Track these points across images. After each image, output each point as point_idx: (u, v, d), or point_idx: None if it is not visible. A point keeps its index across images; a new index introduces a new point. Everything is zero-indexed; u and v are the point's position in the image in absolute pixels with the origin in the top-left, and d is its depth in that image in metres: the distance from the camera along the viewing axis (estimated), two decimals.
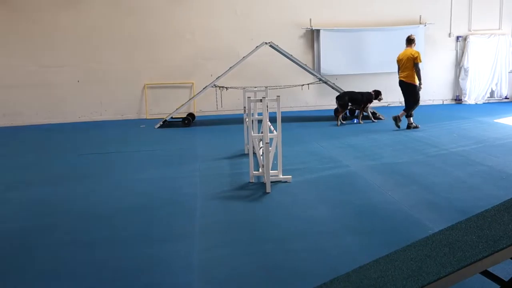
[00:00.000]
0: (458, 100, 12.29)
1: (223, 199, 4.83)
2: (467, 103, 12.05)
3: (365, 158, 6.43)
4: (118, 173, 6.12)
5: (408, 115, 8.60)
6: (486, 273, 2.04)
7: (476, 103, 12.12)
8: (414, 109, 8.60)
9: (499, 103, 12.16)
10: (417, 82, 8.40)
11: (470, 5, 11.95)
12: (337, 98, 9.63)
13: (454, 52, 12.20)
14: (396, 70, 8.81)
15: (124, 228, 4.10)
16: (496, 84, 12.24)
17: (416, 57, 8.27)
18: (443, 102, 12.37)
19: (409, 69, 8.35)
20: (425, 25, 11.63)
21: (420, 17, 11.67)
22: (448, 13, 11.95)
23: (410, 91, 8.50)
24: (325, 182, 5.33)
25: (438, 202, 4.49)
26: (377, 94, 9.67)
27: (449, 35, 12.10)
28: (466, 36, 12.01)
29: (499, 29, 12.12)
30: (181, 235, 3.89)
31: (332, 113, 10.66)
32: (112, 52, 11.11)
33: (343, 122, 9.53)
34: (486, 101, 12.23)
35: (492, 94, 12.31)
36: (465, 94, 12.09)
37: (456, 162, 6.08)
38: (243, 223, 4.13)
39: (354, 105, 9.65)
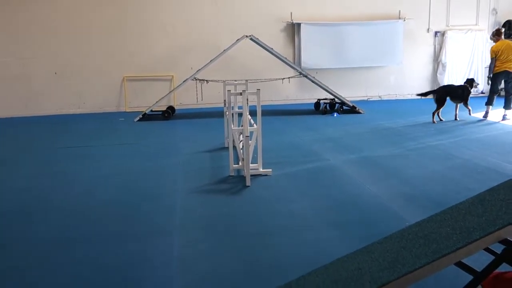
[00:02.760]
0: None
1: (203, 193, 4.82)
2: None
3: (345, 152, 6.48)
4: (97, 167, 6.04)
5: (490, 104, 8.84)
6: (460, 264, 2.09)
7: None
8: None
9: (475, 97, 12.33)
10: None
11: (448, 0, 12.11)
12: (435, 92, 9.14)
13: (432, 47, 12.37)
14: (491, 61, 8.88)
15: (103, 224, 4.06)
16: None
17: None
18: (421, 96, 12.51)
19: (509, 59, 8.60)
20: (404, 20, 11.75)
21: (400, 12, 11.78)
22: (426, 8, 12.10)
23: None
24: (305, 176, 5.36)
25: (415, 195, 4.56)
26: (471, 83, 9.04)
27: (428, 30, 12.26)
28: (444, 31, 12.18)
29: (476, 24, 12.34)
30: (161, 230, 3.86)
31: (313, 107, 10.73)
32: (90, 44, 10.93)
33: (441, 119, 8.88)
34: None
35: None
36: None
37: (433, 155, 6.19)
38: (223, 217, 4.13)
39: (453, 99, 9.07)
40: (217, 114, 9.24)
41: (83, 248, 3.55)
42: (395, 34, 11.76)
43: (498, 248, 2.09)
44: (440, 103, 8.87)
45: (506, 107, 8.71)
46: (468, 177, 5.14)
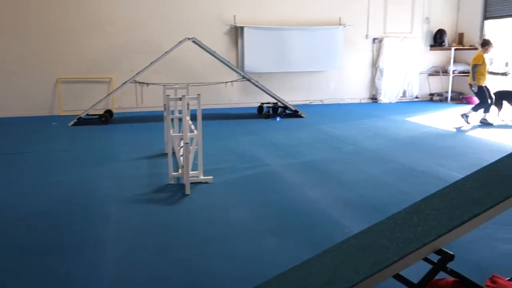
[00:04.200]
0: (374, 99, 12.86)
1: (140, 203, 4.61)
2: (382, 102, 12.64)
3: (286, 157, 6.48)
4: (27, 176, 5.65)
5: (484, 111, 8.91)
6: (398, 277, 2.08)
7: (390, 102, 12.76)
8: (483, 108, 8.90)
9: (410, 102, 12.90)
10: (473, 82, 8.87)
11: (385, 8, 12.52)
12: (496, 95, 9.15)
13: (371, 53, 12.73)
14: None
15: (33, 236, 3.77)
16: (408, 85, 12.95)
17: (474, 59, 8.78)
18: (360, 100, 12.89)
19: (473, 71, 8.79)
20: (344, 27, 12.01)
21: (340, 19, 12.04)
22: (365, 15, 12.44)
23: (475, 92, 8.94)
24: (246, 182, 5.29)
25: (353, 200, 4.62)
26: None
27: (366, 36, 12.60)
28: (382, 38, 12.58)
29: (410, 32, 12.84)
30: (94, 242, 3.64)
31: (256, 111, 10.71)
32: (21, 43, 10.28)
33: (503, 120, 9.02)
34: (399, 100, 12.89)
35: (404, 93, 13.01)
36: (381, 93, 12.68)
37: (371, 159, 6.32)
38: (160, 227, 3.96)
39: (510, 102, 9.13)
40: (158, 118, 8.95)
41: (9, 262, 3.27)
42: (335, 40, 12.00)
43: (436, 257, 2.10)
44: (498, 106, 9.12)
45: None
46: (403, 181, 5.28)
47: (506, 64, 12.77)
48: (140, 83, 9.47)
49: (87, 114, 9.40)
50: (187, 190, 4.78)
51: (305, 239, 3.64)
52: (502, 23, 11.93)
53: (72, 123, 9.13)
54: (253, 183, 5.24)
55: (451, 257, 1.95)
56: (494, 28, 12.12)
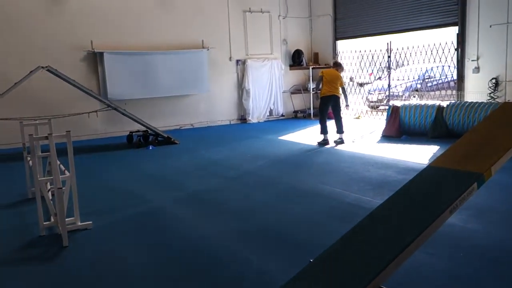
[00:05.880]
0: (243, 119, 13.08)
1: (6, 265, 3.85)
2: (251, 122, 12.93)
3: (168, 189, 6.10)
4: None
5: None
6: None
7: (259, 122, 13.11)
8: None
9: (277, 120, 13.41)
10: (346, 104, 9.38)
11: (245, 31, 12.89)
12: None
13: (236, 74, 12.97)
14: (318, 84, 9.07)
15: None
16: (273, 103, 13.47)
17: (341, 78, 8.96)
18: (230, 122, 13.01)
19: (337, 87, 8.85)
20: (208, 49, 12.04)
21: (203, 42, 12.04)
22: (227, 38, 12.65)
23: (340, 105, 8.98)
24: (131, 224, 4.79)
25: (248, 229, 4.46)
26: None
27: (230, 59, 12.81)
28: (245, 60, 12.90)
29: (271, 53, 13.41)
30: None
31: (125, 140, 10.07)
32: None
33: None
34: (267, 119, 13.33)
35: (271, 112, 13.49)
36: (249, 113, 12.95)
37: (256, 183, 6.28)
38: None
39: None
40: (12, 157, 7.88)
41: None
42: (201, 63, 11.96)
43: None
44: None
45: (339, 131, 8.92)
46: (291, 203, 5.28)
47: (351, 79, 14.11)
48: None
49: None
50: (65, 242, 4.15)
51: (212, 283, 3.36)
52: (350, 43, 13.15)
53: None
54: (139, 224, 4.77)
55: None
56: (344, 47, 13.28)
